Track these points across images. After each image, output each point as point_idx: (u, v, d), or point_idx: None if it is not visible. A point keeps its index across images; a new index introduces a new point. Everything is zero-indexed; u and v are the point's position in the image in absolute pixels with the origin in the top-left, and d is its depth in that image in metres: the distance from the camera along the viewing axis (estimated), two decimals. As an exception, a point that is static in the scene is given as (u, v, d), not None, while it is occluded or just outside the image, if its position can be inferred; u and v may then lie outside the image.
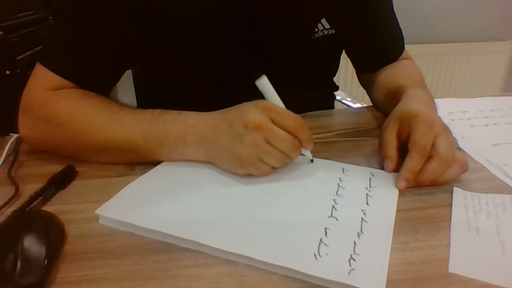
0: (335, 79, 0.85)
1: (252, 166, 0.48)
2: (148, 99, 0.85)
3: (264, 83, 0.50)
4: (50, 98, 0.56)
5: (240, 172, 0.49)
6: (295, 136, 0.47)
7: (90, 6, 0.57)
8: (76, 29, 0.58)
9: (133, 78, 0.93)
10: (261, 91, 0.50)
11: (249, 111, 0.47)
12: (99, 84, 0.60)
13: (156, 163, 0.53)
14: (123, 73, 0.66)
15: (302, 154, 0.52)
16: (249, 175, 0.49)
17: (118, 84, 0.67)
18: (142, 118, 0.52)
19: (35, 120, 0.56)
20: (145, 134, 0.51)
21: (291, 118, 0.48)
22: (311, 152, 0.53)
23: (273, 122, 0.47)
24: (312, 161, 0.53)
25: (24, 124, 0.57)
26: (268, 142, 0.46)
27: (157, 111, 0.53)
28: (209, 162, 0.51)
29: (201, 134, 0.50)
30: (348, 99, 1.12)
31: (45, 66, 0.57)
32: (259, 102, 0.48)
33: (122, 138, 0.52)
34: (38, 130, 0.56)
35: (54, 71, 0.57)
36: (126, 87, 0.96)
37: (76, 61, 0.58)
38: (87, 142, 0.53)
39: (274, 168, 0.49)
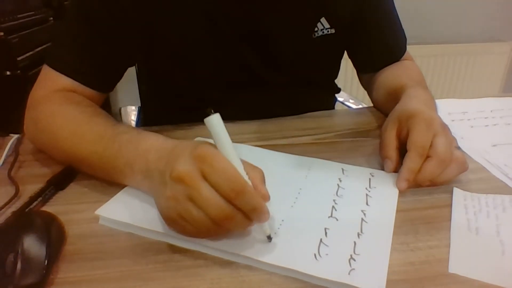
0: (335, 80, 0.85)
1: (173, 223, 0.38)
2: (151, 97, 0.85)
3: (213, 122, 0.37)
4: (40, 101, 0.57)
5: (166, 225, 0.39)
6: (230, 202, 0.36)
7: (94, 7, 0.58)
8: (79, 29, 0.59)
9: (137, 76, 0.93)
10: (209, 132, 0.38)
11: (181, 156, 0.37)
12: (102, 82, 0.61)
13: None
14: (125, 71, 0.66)
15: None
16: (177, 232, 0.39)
17: (121, 83, 0.68)
18: (102, 135, 0.49)
19: (28, 120, 0.58)
20: (100, 153, 0.48)
21: (228, 177, 0.35)
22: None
23: (204, 177, 0.36)
24: (269, 238, 0.39)
25: (24, 122, 0.58)
26: (191, 200, 0.36)
27: (120, 128, 0.49)
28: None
29: (148, 164, 0.42)
30: (351, 101, 1.12)
31: (49, 65, 0.58)
32: (200, 147, 0.37)
33: (81, 154, 0.50)
34: (30, 130, 0.58)
35: (58, 70, 0.58)
36: (129, 85, 0.96)
37: (79, 59, 0.59)
38: (57, 151, 0.54)
39: (203, 234, 0.38)
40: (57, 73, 0.58)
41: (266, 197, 0.38)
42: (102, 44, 0.59)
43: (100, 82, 0.61)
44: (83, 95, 0.59)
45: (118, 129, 0.49)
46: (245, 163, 0.39)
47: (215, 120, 0.37)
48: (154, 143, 0.44)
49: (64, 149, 0.52)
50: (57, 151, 0.54)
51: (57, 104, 0.56)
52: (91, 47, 0.59)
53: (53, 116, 0.54)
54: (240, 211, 0.36)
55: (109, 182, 0.49)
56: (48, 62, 0.59)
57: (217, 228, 0.37)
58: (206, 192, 0.35)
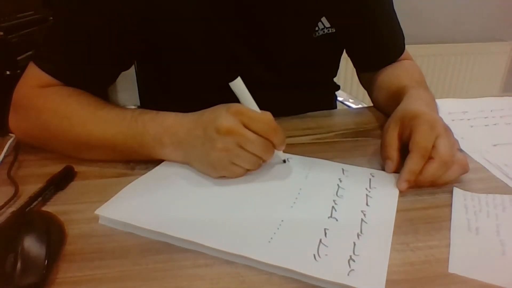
0: (335, 79, 0.85)
1: (224, 170, 0.48)
2: (150, 97, 0.85)
3: (238, 85, 0.48)
4: (39, 94, 0.56)
5: (213, 175, 0.49)
6: (267, 139, 0.47)
7: (85, 8, 0.57)
8: (70, 30, 0.58)
9: (136, 77, 0.93)
10: (235, 93, 0.48)
11: (221, 115, 0.47)
12: (91, 86, 0.59)
13: (156, 163, 0.53)
14: (117, 75, 0.66)
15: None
16: (223, 177, 0.49)
17: (121, 83, 0.67)
18: (123, 117, 0.53)
19: (23, 115, 0.57)
20: (125, 132, 0.52)
21: (263, 122, 0.47)
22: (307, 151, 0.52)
23: (245, 126, 0.46)
24: (284, 161, 0.53)
25: (14, 118, 0.58)
26: (240, 146, 0.46)
27: (138, 111, 0.54)
28: (186, 163, 0.52)
29: (177, 137, 0.50)
30: (350, 100, 1.12)
31: (38, 66, 0.57)
32: (232, 106, 0.48)
33: (103, 136, 0.52)
34: (26, 125, 0.57)
35: (47, 72, 0.57)
36: (129, 87, 0.96)
37: (68, 62, 0.58)
38: (71, 138, 0.54)
39: (247, 170, 0.49)
40: (45, 74, 0.57)
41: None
42: (92, 46, 0.58)
43: (88, 86, 0.58)
44: None
45: (137, 111, 0.54)
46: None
47: (239, 82, 0.47)
48: (177, 119, 0.52)
49: (79, 134, 0.53)
50: (70, 139, 0.54)
51: (63, 94, 0.56)
52: (81, 49, 0.57)
53: (64, 104, 0.55)
54: (273, 144, 0.48)
55: (109, 182, 0.49)
56: (37, 62, 0.57)
57: (259, 161, 0.49)
58: (251, 136, 0.46)
